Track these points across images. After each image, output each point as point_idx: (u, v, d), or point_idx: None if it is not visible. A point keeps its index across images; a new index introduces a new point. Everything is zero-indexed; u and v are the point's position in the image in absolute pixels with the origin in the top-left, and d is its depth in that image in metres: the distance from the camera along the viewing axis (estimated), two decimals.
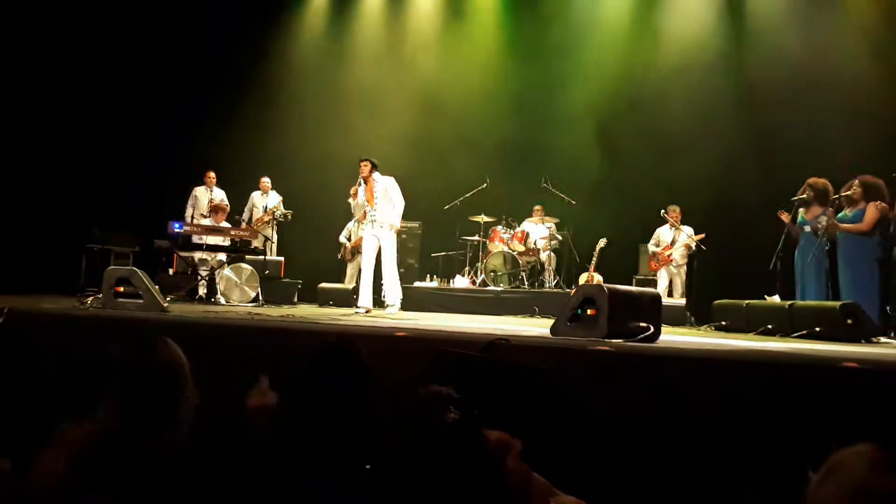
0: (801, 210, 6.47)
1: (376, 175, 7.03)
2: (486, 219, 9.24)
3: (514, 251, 8.89)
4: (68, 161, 8.84)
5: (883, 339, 5.18)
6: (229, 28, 10.38)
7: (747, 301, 6.25)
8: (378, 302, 7.30)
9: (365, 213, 7.04)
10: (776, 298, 6.31)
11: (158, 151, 9.63)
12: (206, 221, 8.57)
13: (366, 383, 2.00)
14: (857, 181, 6.07)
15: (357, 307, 7.01)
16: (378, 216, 6.95)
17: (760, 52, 8.82)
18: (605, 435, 2.85)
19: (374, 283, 7.07)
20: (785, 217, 6.51)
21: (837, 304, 5.23)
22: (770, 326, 5.61)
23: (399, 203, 7.05)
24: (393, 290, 7.03)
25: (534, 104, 9.86)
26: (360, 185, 7.07)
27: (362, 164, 7.04)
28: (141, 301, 4.99)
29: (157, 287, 5.24)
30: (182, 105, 9.94)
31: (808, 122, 8.05)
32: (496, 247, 8.99)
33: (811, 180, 6.44)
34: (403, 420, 1.71)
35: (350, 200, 7.24)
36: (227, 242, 7.93)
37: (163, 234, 7.60)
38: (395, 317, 6.50)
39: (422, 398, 1.73)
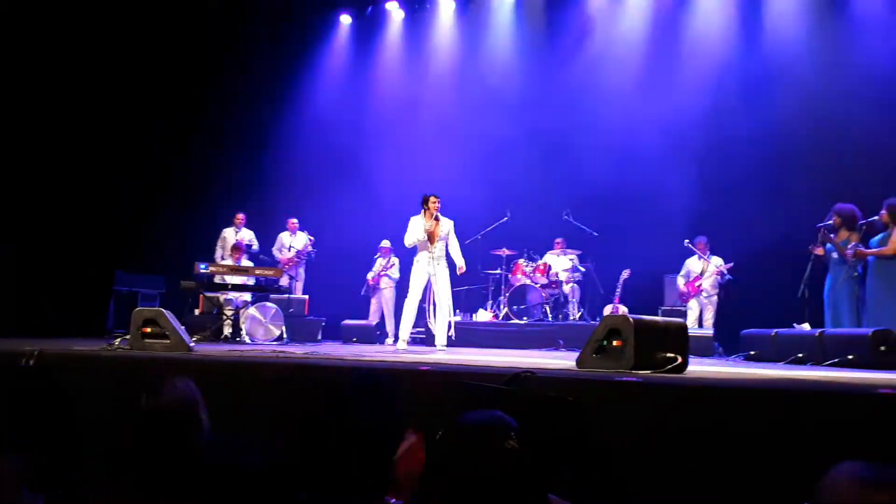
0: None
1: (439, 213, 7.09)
2: (507, 252, 9.24)
3: (536, 284, 8.85)
4: (96, 205, 9.01)
5: None
6: (259, 73, 10.70)
7: (776, 330, 6.14)
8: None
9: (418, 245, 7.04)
10: (806, 326, 6.20)
11: (186, 193, 9.83)
12: (228, 261, 8.66)
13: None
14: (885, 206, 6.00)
15: (397, 343, 7.06)
16: (437, 253, 7.02)
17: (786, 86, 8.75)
18: (633, 467, 2.79)
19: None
20: (820, 252, 6.40)
21: (870, 330, 5.12)
22: (801, 355, 5.50)
23: (457, 244, 7.18)
24: (444, 327, 7.05)
25: (553, 137, 9.88)
26: (435, 220, 6.98)
27: (436, 200, 7.00)
28: (168, 341, 5.04)
29: (183, 327, 5.29)
30: (209, 147, 10.18)
31: (847, 147, 7.97)
32: (519, 280, 8.96)
33: (838, 206, 6.37)
34: (454, 442, 1.71)
35: (421, 237, 6.96)
36: (251, 282, 8.00)
37: (189, 276, 7.69)
38: (419, 351, 6.47)
39: (479, 423, 1.73)
